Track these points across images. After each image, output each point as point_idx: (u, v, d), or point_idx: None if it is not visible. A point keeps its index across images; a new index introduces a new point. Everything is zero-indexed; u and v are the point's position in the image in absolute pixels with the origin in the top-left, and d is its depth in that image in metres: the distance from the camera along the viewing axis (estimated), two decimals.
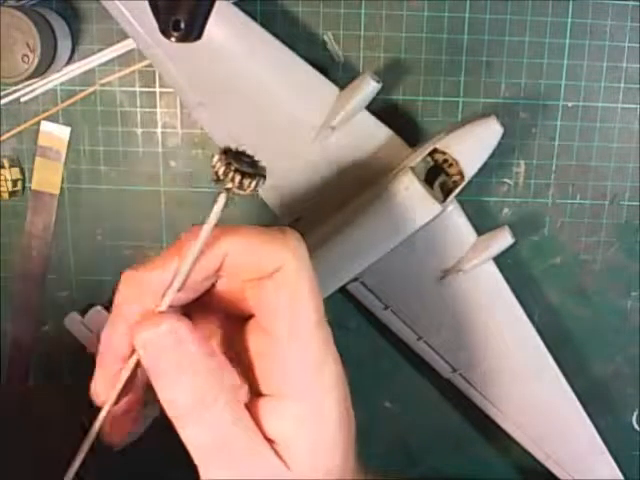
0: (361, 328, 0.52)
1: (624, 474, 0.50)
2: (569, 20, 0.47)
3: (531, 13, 0.47)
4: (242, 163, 0.26)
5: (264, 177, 0.27)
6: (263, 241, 0.27)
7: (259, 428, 0.27)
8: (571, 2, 0.47)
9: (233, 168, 0.25)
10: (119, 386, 0.27)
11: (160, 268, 0.27)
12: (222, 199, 0.26)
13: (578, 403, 0.49)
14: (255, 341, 0.30)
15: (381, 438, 0.54)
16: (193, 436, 0.26)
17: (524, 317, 0.48)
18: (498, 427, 0.50)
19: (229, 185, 0.26)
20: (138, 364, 0.27)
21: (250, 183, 0.26)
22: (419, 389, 0.53)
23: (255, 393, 0.29)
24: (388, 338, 0.51)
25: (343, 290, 0.47)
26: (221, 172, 0.26)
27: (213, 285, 0.29)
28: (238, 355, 0.30)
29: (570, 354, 0.51)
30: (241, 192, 0.26)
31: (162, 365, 0.26)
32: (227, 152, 0.26)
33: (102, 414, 0.27)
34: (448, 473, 0.55)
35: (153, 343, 0.26)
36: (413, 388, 0.53)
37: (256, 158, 0.27)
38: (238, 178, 0.26)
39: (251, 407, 0.28)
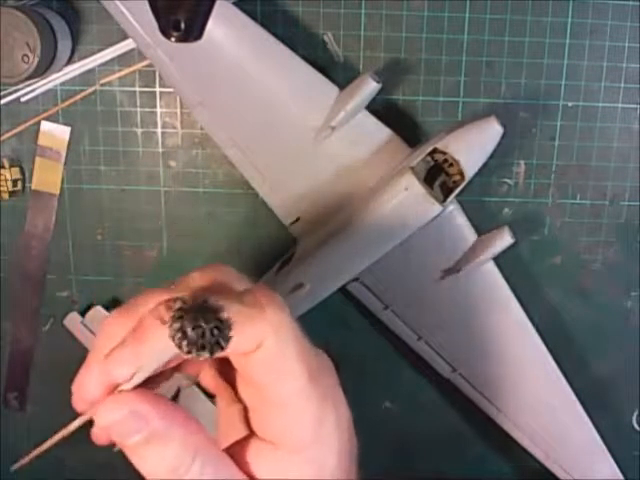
0: (361, 328, 0.52)
1: (624, 474, 0.50)
2: (569, 20, 0.47)
3: (531, 13, 0.47)
4: (201, 331, 0.22)
5: (222, 347, 0.23)
6: (236, 325, 0.25)
7: (251, 467, 0.27)
8: (571, 2, 0.47)
9: (187, 341, 0.22)
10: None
11: (118, 369, 0.25)
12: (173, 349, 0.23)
13: (578, 403, 0.49)
14: (248, 391, 0.29)
15: (381, 438, 0.54)
16: None
17: (524, 317, 0.48)
18: (498, 427, 0.50)
19: (183, 351, 0.23)
20: None
21: (212, 353, 0.22)
22: (419, 389, 0.53)
23: (251, 428, 0.29)
24: (388, 338, 0.51)
25: (343, 290, 0.47)
26: (175, 341, 0.22)
27: None
28: (233, 384, 0.30)
29: (570, 354, 0.51)
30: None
31: (130, 442, 0.25)
32: (185, 311, 0.22)
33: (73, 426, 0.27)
34: (448, 473, 0.55)
35: (117, 425, 0.25)
36: (413, 388, 0.53)
37: (222, 316, 0.23)
38: (195, 354, 0.22)
39: (244, 445, 0.28)
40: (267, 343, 0.26)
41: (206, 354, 0.22)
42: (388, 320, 0.49)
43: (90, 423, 0.27)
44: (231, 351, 0.25)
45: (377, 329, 0.51)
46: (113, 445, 0.28)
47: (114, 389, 0.26)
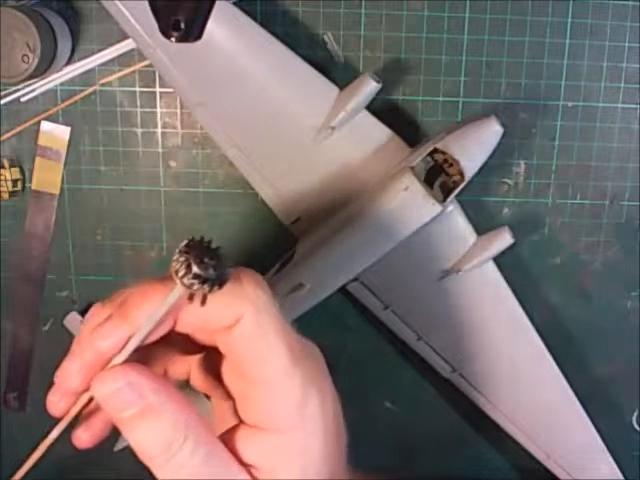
0: (361, 328, 0.52)
1: (624, 474, 0.50)
2: (569, 20, 0.47)
3: (531, 13, 0.47)
4: (204, 266, 0.24)
5: (224, 282, 0.25)
6: (215, 298, 0.26)
7: (240, 453, 0.28)
8: (571, 2, 0.47)
9: (192, 274, 0.24)
10: (71, 415, 0.27)
11: (106, 339, 0.26)
12: (178, 291, 0.25)
13: (578, 403, 0.49)
14: (234, 377, 0.29)
15: (381, 438, 0.54)
16: (166, 478, 0.26)
17: (524, 317, 0.48)
18: (498, 427, 0.50)
19: (190, 288, 0.24)
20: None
21: (211, 289, 0.24)
22: (419, 389, 0.53)
23: (240, 418, 0.29)
24: (388, 338, 0.51)
25: (343, 290, 0.47)
26: (180, 274, 0.24)
27: None
28: (222, 380, 0.30)
29: (570, 354, 0.51)
30: (200, 295, 0.25)
31: (124, 415, 0.26)
32: (190, 248, 0.24)
33: (56, 431, 0.27)
34: (448, 473, 0.55)
35: (112, 397, 0.26)
36: (413, 388, 0.53)
37: (222, 256, 0.25)
38: (197, 286, 0.24)
39: (234, 432, 0.28)
40: (246, 317, 0.27)
41: (206, 288, 0.24)
42: (388, 320, 0.49)
43: (70, 428, 0.28)
44: (209, 325, 0.27)
45: (377, 329, 0.51)
46: (100, 446, 0.28)
47: (99, 370, 0.26)
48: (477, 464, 0.55)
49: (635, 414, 0.54)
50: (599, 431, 0.49)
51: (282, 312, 0.28)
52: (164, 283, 0.26)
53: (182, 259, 0.24)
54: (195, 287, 0.24)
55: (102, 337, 0.26)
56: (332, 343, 0.52)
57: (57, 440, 0.27)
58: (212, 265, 0.24)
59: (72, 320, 0.51)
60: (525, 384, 0.49)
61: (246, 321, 0.27)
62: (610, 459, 0.49)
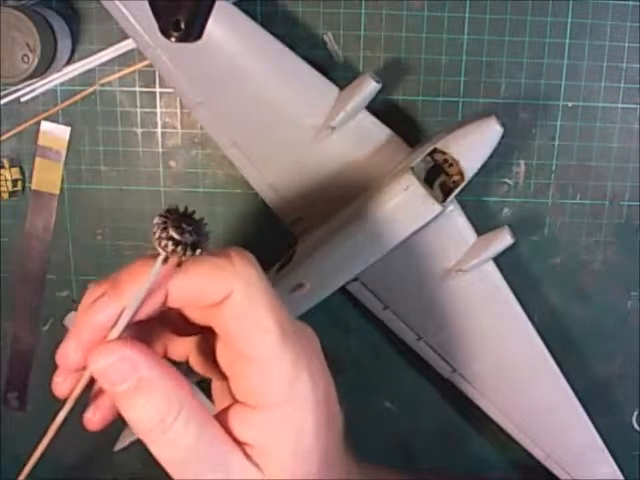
0: (361, 328, 0.52)
1: (624, 474, 0.50)
2: (569, 20, 0.47)
3: (531, 13, 0.47)
4: (181, 231, 0.25)
5: (200, 248, 0.26)
6: (204, 273, 0.27)
7: (234, 432, 0.28)
8: (571, 2, 0.47)
9: (167, 236, 0.25)
10: (75, 394, 0.28)
11: (100, 313, 0.27)
12: (160, 260, 0.26)
13: (578, 403, 0.49)
14: (227, 355, 0.30)
15: (381, 438, 0.54)
16: (161, 452, 0.27)
17: (524, 317, 0.48)
18: (498, 427, 0.50)
19: (165, 250, 0.25)
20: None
21: (185, 252, 0.25)
22: (419, 389, 0.53)
23: (234, 398, 0.29)
24: (388, 338, 0.51)
25: (343, 290, 0.47)
26: (156, 237, 0.25)
27: None
28: (217, 360, 0.31)
29: (570, 354, 0.51)
30: (177, 258, 0.26)
31: (119, 389, 0.26)
32: (169, 215, 0.25)
33: (62, 414, 0.28)
34: (448, 472, 0.55)
35: (107, 371, 0.26)
36: (413, 388, 0.53)
37: (201, 223, 0.26)
38: (171, 247, 0.25)
39: (228, 411, 0.29)
40: (236, 294, 0.27)
41: (180, 251, 0.25)
42: (388, 320, 0.49)
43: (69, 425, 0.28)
44: (199, 301, 0.27)
45: (377, 329, 0.51)
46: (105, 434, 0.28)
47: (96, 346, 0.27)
48: (477, 464, 0.55)
49: (635, 414, 0.54)
50: (599, 431, 0.49)
51: (273, 289, 0.29)
52: (154, 259, 0.27)
53: (160, 222, 0.25)
54: (169, 249, 0.25)
55: (96, 312, 0.27)
56: (332, 343, 0.52)
57: (57, 436, 0.28)
58: (189, 230, 0.25)
59: (72, 320, 0.51)
60: (525, 384, 0.49)
61: (236, 296, 0.27)
62: (610, 459, 0.49)
